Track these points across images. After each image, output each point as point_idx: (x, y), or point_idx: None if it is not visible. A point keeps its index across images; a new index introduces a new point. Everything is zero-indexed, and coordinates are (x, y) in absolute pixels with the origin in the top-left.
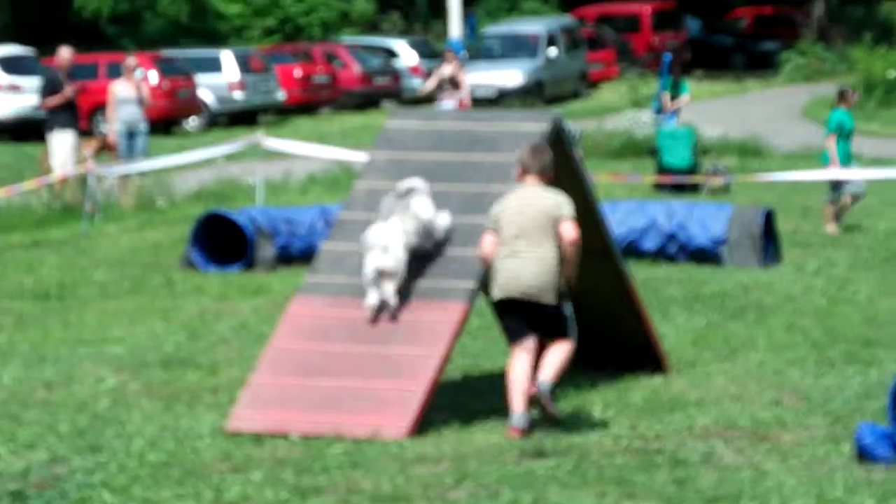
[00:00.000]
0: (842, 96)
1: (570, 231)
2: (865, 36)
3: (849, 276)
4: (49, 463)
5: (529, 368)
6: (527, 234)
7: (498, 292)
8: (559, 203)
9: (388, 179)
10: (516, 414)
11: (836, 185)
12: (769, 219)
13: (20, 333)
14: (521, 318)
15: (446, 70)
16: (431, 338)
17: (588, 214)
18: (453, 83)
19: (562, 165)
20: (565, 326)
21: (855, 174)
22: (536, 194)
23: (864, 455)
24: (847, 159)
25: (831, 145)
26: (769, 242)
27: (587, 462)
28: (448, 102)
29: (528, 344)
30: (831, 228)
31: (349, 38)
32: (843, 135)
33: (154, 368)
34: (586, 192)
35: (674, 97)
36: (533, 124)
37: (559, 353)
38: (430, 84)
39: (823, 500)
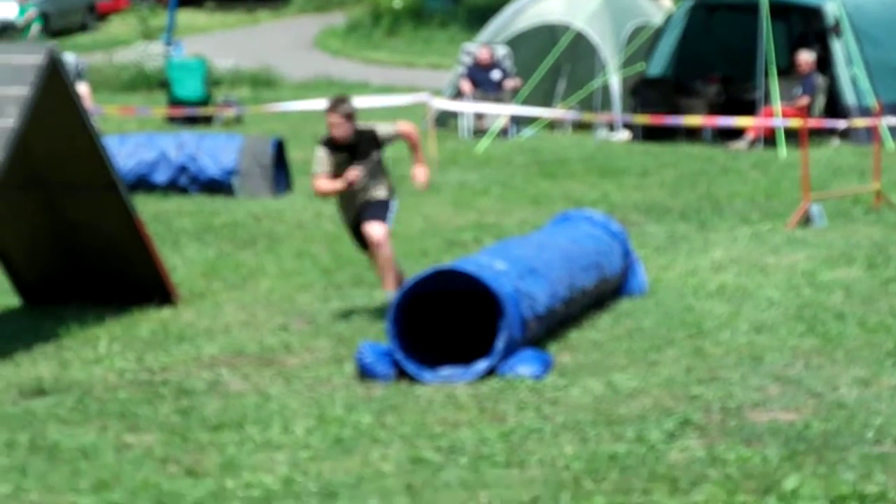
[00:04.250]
0: None
1: None
2: None
3: None
4: None
5: None
6: None
7: None
8: None
9: None
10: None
11: None
12: (280, 148)
13: None
14: None
15: None
16: None
17: (90, 150)
18: None
19: (60, 99)
20: None
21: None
22: None
23: (365, 373)
24: None
25: None
26: (280, 171)
27: (89, 398)
28: None
29: None
30: None
31: None
32: None
33: None
34: (88, 127)
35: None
36: (28, 57)
37: None
38: None
39: (324, 419)
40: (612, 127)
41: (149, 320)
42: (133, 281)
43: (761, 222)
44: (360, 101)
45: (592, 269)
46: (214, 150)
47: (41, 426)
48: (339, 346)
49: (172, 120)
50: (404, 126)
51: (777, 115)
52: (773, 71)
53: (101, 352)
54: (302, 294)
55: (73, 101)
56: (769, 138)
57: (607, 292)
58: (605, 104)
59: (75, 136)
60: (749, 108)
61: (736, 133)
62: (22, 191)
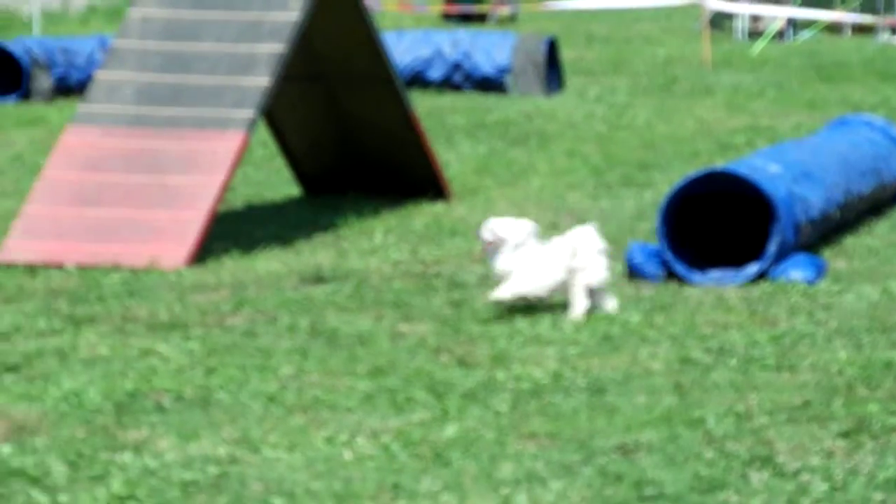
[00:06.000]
0: None
1: None
2: None
3: (628, 102)
4: None
5: None
6: None
7: None
8: None
9: (162, 7)
10: None
11: None
12: (552, 47)
13: None
14: None
15: None
16: (210, 167)
17: (369, 44)
18: None
19: None
20: None
21: None
22: None
23: (634, 273)
24: None
25: None
26: (552, 70)
27: (366, 286)
28: None
29: None
30: None
31: None
32: None
33: None
34: (367, 21)
35: None
36: None
37: None
38: None
39: (593, 317)
40: (895, 30)
41: (422, 214)
42: (408, 175)
43: None
44: (633, 2)
45: (870, 174)
46: (488, 48)
47: (320, 312)
48: (609, 245)
49: (448, 17)
50: None
51: None
52: None
53: (377, 243)
54: (572, 192)
55: None
56: None
57: (886, 199)
58: (889, 7)
59: (355, 30)
60: None
61: None
62: (304, 83)
